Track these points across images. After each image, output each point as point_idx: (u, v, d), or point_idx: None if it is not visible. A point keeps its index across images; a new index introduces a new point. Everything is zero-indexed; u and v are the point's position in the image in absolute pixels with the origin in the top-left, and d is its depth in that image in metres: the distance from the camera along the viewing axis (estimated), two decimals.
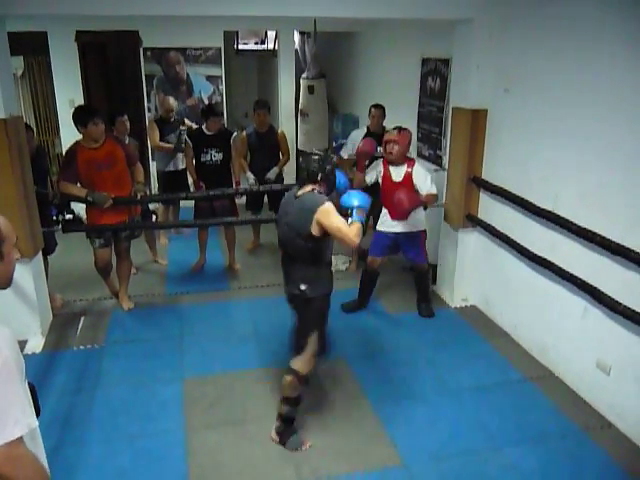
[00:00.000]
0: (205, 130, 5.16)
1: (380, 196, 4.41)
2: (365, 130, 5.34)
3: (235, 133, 5.52)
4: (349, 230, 2.74)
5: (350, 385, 3.70)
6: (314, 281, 2.96)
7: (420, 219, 4.37)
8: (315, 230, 2.78)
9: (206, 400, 3.53)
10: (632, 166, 3.03)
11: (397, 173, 4.30)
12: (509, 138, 4.11)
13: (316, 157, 2.94)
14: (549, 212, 3.64)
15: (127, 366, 3.91)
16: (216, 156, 5.16)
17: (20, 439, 1.32)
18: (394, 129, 4.32)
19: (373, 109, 5.32)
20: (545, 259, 3.70)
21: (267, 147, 5.71)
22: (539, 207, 3.73)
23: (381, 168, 4.40)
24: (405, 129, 4.30)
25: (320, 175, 2.89)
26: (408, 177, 4.27)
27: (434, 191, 4.29)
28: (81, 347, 4.15)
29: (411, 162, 4.33)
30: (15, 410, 1.31)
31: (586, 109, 3.32)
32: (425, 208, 4.42)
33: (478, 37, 4.18)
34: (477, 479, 2.89)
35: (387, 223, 4.41)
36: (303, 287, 2.94)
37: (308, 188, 2.92)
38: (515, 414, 3.38)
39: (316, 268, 2.98)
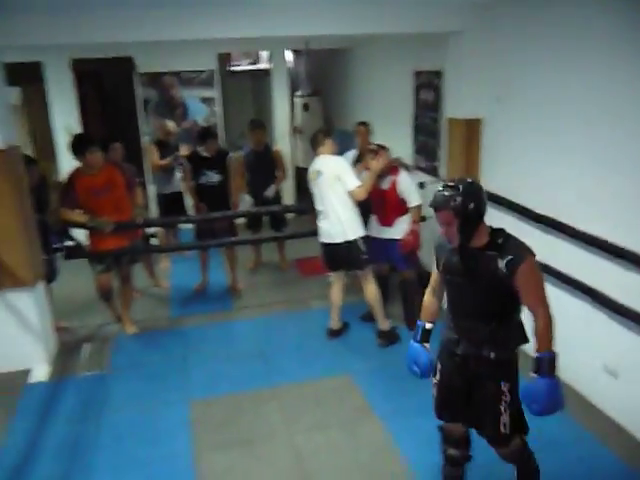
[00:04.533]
0: (202, 152, 5.19)
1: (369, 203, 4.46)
2: (354, 152, 5.21)
3: (232, 154, 5.55)
4: None
5: (356, 401, 3.68)
6: None
7: (403, 228, 4.40)
8: None
9: (214, 422, 3.51)
10: (630, 169, 3.04)
11: (383, 181, 4.36)
12: (505, 146, 4.14)
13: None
14: (548, 218, 3.64)
15: (133, 390, 3.89)
16: (214, 177, 5.19)
17: None
18: (371, 153, 4.26)
19: (357, 127, 5.21)
20: (546, 265, 3.70)
21: (264, 166, 5.74)
22: (537, 213, 3.74)
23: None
24: (380, 149, 4.29)
25: None
26: (393, 185, 4.36)
27: (417, 202, 4.36)
28: (87, 373, 4.14)
29: (395, 170, 4.38)
30: None
31: (581, 114, 3.34)
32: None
33: (470, 48, 4.24)
34: None
35: (375, 229, 4.49)
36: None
37: None
38: None
39: None
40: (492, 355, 2.37)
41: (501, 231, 2.35)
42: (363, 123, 5.27)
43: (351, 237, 4.18)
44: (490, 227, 2.34)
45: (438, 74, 5.00)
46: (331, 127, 8.06)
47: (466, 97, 4.36)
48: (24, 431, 3.46)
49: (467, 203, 2.21)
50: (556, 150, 3.57)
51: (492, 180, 4.28)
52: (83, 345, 4.54)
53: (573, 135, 3.41)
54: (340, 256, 4.28)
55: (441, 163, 5.01)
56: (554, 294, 3.65)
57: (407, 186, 4.37)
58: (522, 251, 2.27)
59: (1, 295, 3.95)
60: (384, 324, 4.38)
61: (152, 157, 5.89)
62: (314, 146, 4.30)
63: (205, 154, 5.18)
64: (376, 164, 4.12)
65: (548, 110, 3.62)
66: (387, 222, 4.46)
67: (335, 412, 3.57)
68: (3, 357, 4.08)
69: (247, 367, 4.14)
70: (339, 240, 4.20)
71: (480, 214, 2.26)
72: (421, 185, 4.65)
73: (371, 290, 4.32)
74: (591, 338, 3.44)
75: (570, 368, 3.68)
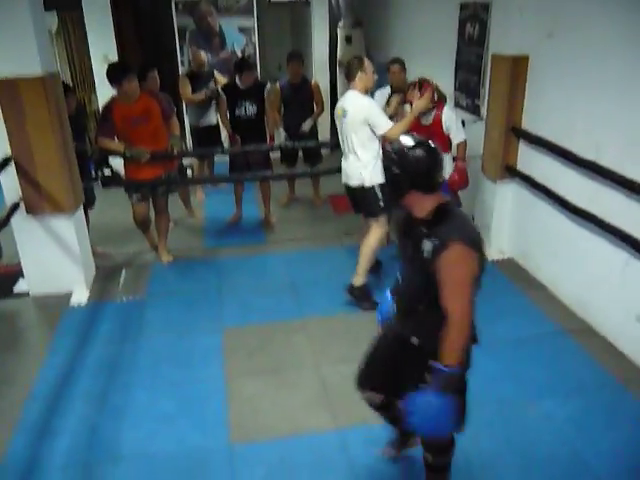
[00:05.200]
0: (239, 84, 5.12)
1: None
2: (389, 89, 5.08)
3: (269, 85, 5.47)
4: None
5: None
6: None
7: (446, 169, 4.29)
8: None
9: (245, 349, 3.63)
10: None
11: (426, 117, 4.22)
12: (552, 86, 3.96)
13: None
14: (591, 162, 3.52)
15: (168, 317, 4.03)
16: (250, 109, 5.14)
17: None
18: (413, 86, 4.18)
19: (391, 65, 4.99)
20: (586, 211, 3.61)
21: (301, 99, 5.65)
22: (581, 157, 3.62)
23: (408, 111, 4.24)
24: (425, 81, 4.17)
25: None
26: (437, 120, 4.22)
27: (462, 138, 4.26)
28: (124, 299, 4.29)
29: (439, 104, 4.23)
30: None
31: (634, 53, 3.16)
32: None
33: None
34: (510, 425, 2.92)
35: None
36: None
37: None
38: (551, 366, 3.37)
39: None
40: (415, 340, 2.10)
41: (445, 210, 2.00)
42: (396, 61, 5.03)
43: (367, 183, 3.90)
44: (440, 203, 2.00)
45: (485, 7, 4.76)
46: (370, 60, 7.83)
47: (513, 32, 4.15)
48: (65, 350, 3.64)
49: (391, 165, 2.00)
50: (607, 91, 3.41)
51: (536, 121, 4.15)
52: (120, 271, 4.70)
53: (627, 75, 3.23)
54: (357, 200, 4.11)
55: (483, 102, 4.85)
56: (592, 241, 3.61)
57: (452, 121, 4.23)
58: (450, 237, 1.88)
59: (42, 220, 4.07)
60: (359, 280, 4.00)
61: (184, 90, 5.83)
62: (348, 76, 3.92)
63: (242, 85, 5.11)
64: (422, 101, 3.91)
65: (601, 48, 3.42)
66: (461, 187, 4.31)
67: (362, 346, 3.60)
68: (44, 280, 4.25)
69: (278, 299, 4.23)
70: (355, 183, 3.96)
71: (406, 183, 1.96)
72: (462, 123, 4.53)
73: (373, 240, 3.97)
74: (626, 285, 3.39)
75: (600, 314, 3.67)
